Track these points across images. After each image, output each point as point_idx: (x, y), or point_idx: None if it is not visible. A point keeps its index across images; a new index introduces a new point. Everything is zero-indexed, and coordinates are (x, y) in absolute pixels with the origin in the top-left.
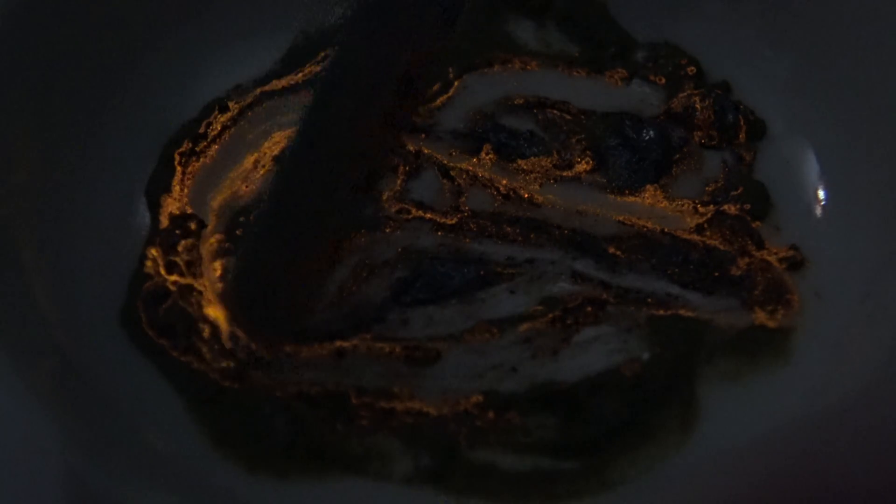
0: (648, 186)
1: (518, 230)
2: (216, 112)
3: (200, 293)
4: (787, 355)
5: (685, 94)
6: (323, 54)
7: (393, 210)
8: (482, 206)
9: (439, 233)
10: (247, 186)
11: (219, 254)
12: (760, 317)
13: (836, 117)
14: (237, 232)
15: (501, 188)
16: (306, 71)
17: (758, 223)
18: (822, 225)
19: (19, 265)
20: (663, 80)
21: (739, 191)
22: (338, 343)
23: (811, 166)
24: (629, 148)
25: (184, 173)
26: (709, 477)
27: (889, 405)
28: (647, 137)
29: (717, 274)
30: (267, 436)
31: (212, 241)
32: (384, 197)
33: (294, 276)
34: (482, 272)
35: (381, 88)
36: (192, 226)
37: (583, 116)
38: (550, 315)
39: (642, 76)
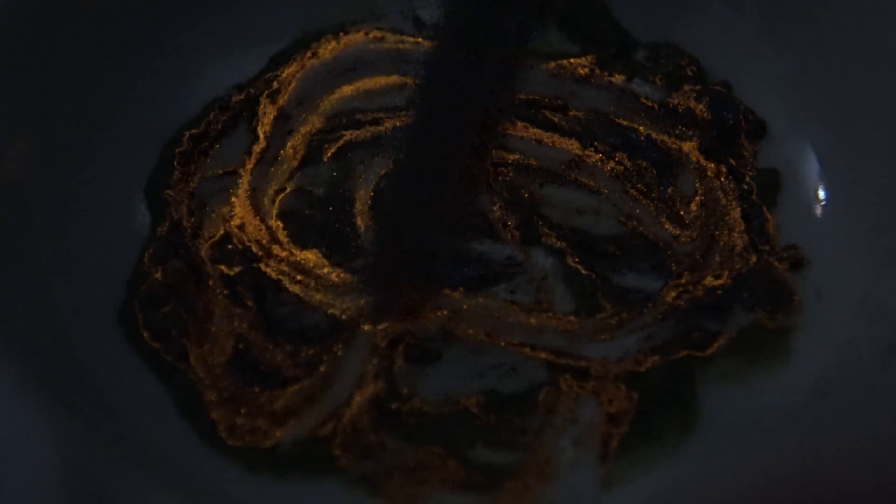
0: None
1: (518, 230)
2: (216, 111)
3: (201, 294)
4: (787, 355)
5: (685, 93)
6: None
7: None
8: (482, 206)
9: None
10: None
11: (219, 255)
12: (760, 317)
13: (836, 117)
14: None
15: (502, 188)
16: None
17: None
18: (822, 225)
19: (19, 264)
20: (663, 80)
21: None
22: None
23: (811, 166)
24: (629, 148)
25: (184, 172)
26: (709, 477)
27: (889, 405)
28: (648, 137)
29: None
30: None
31: (212, 241)
32: None
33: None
34: (482, 272)
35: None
36: (193, 226)
37: (583, 116)
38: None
39: (642, 76)
